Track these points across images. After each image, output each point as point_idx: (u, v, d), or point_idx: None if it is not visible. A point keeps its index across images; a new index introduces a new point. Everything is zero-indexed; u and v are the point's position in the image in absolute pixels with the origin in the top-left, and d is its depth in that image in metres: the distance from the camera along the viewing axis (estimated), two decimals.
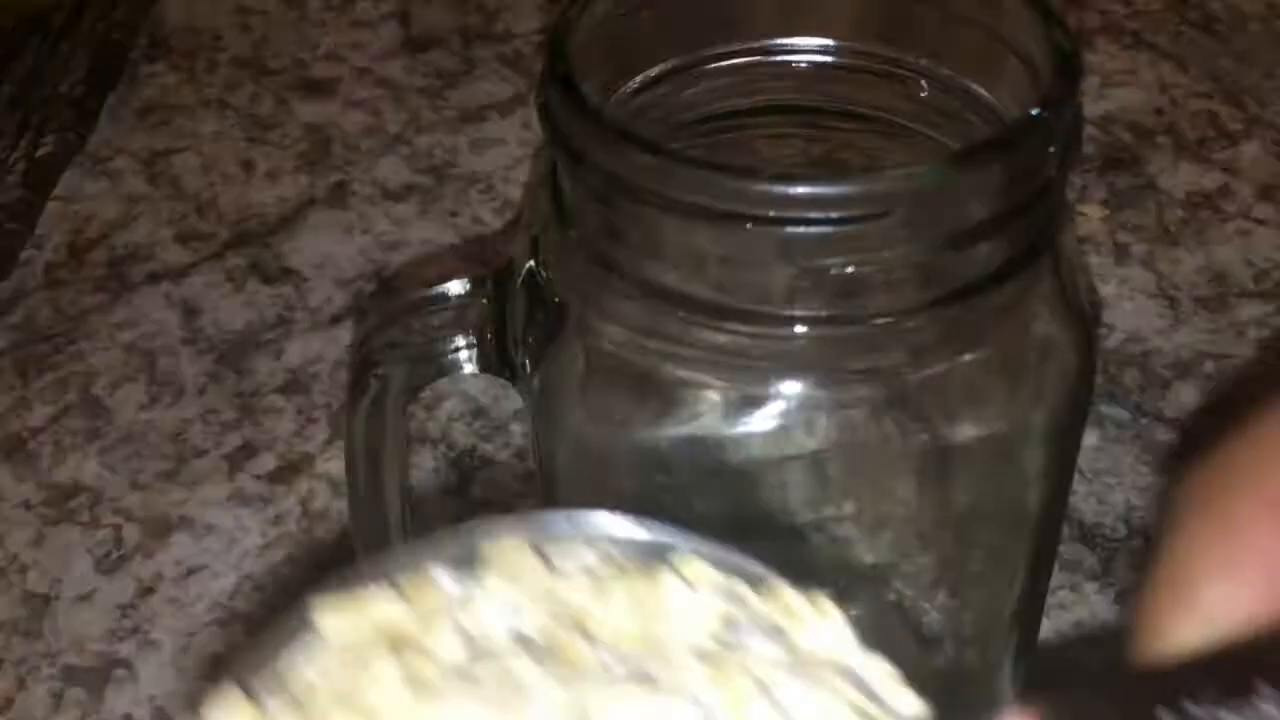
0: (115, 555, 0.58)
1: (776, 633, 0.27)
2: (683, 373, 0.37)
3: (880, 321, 0.35)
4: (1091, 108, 0.70)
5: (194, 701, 0.25)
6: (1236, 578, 0.24)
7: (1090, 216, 0.72)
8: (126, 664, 0.54)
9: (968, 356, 0.37)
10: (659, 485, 0.44)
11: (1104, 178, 0.73)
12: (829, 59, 0.42)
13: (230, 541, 0.58)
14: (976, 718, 0.28)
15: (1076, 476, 0.58)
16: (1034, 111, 0.34)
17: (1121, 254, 0.70)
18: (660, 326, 0.36)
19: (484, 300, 0.41)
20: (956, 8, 0.40)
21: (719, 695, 0.25)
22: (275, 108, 0.81)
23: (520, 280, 0.39)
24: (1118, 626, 0.54)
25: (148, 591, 0.56)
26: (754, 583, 0.28)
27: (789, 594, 0.28)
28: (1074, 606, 0.55)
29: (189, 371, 0.65)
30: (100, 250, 0.72)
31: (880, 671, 0.28)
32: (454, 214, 0.73)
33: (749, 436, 0.38)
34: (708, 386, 0.37)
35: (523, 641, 0.27)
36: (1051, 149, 0.35)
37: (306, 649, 0.27)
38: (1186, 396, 0.63)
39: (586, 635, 0.27)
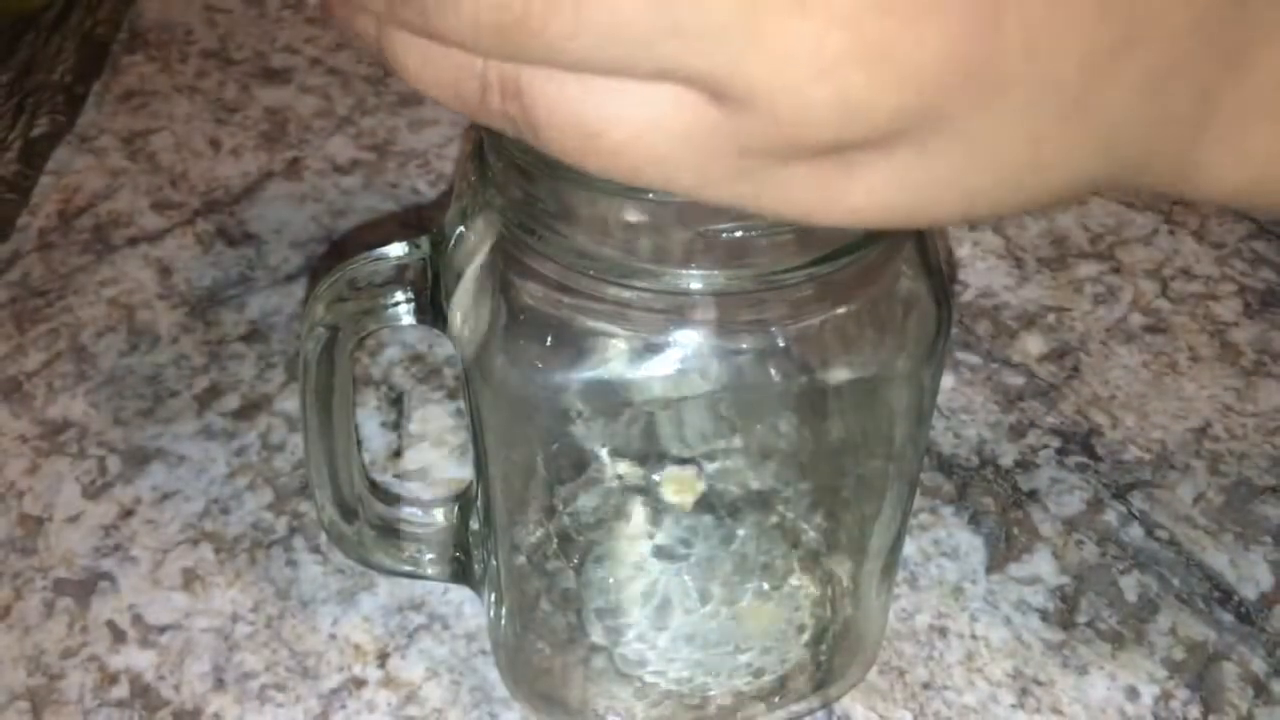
0: (100, 482, 0.57)
1: None
2: (593, 324, 0.36)
3: (765, 280, 0.35)
4: None
5: None
6: None
7: None
8: (110, 577, 0.53)
9: (841, 309, 0.37)
10: (572, 421, 0.43)
11: None
12: None
13: (199, 470, 0.57)
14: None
15: (935, 413, 0.58)
16: None
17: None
18: (573, 283, 0.36)
19: (420, 260, 0.41)
20: None
21: None
22: (239, 93, 0.80)
23: (452, 243, 0.39)
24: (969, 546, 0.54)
25: (128, 514, 0.56)
26: None
27: None
28: (933, 527, 0.55)
29: (164, 323, 0.64)
30: (87, 217, 0.71)
31: None
32: (394, 186, 0.72)
33: (651, 379, 0.38)
34: (615, 336, 0.37)
35: None
36: None
37: None
38: (1031, 344, 0.63)
39: None
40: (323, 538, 0.54)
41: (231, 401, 0.60)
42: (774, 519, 0.48)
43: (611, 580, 0.48)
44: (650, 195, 0.32)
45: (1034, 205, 0.28)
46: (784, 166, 0.26)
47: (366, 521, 0.48)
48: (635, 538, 0.48)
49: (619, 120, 0.25)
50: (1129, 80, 0.25)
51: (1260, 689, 0.49)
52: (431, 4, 0.24)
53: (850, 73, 0.23)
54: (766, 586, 0.48)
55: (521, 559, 0.47)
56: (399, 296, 0.41)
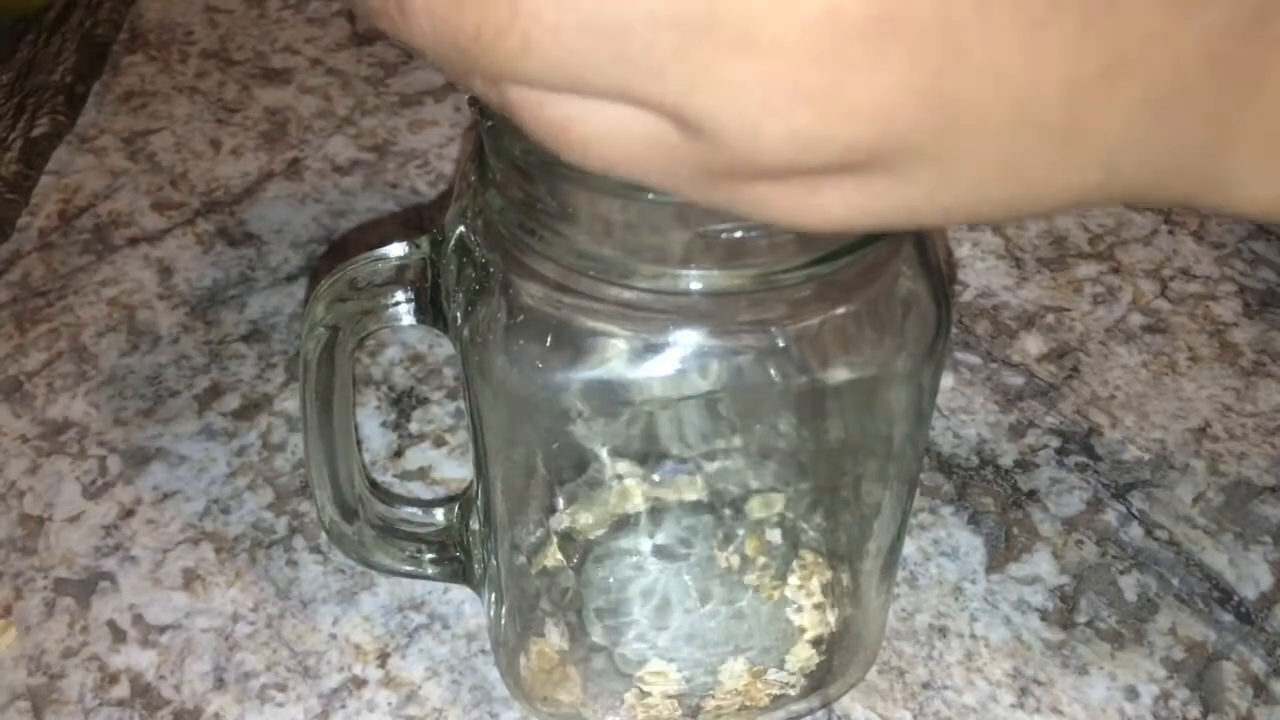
0: (100, 482, 0.57)
1: None
2: (593, 324, 0.36)
3: (764, 280, 0.35)
4: None
5: None
6: None
7: None
8: (110, 577, 0.53)
9: (840, 309, 0.37)
10: (572, 421, 0.43)
11: None
12: None
13: (200, 470, 0.57)
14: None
15: (935, 413, 0.58)
16: None
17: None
18: (573, 283, 0.36)
19: (420, 260, 0.41)
20: None
21: None
22: (239, 93, 0.80)
23: (452, 243, 0.39)
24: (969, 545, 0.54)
25: (128, 514, 0.56)
26: None
27: None
28: (933, 527, 0.55)
29: (164, 323, 0.64)
30: (87, 217, 0.71)
31: None
32: (394, 186, 0.72)
33: (651, 379, 0.37)
34: (615, 336, 0.37)
35: None
36: None
37: None
38: (1031, 344, 0.63)
39: None
40: (323, 537, 0.54)
41: (232, 401, 0.60)
42: (774, 519, 0.48)
43: (611, 580, 0.48)
44: (650, 195, 0.32)
45: (1028, 217, 0.28)
46: (751, 183, 0.25)
47: (366, 521, 0.48)
48: (635, 537, 0.48)
49: (583, 122, 0.25)
50: (1124, 106, 0.25)
51: (1260, 689, 0.49)
52: (398, 20, 0.24)
53: (800, 110, 0.23)
54: (767, 586, 0.48)
55: (521, 559, 0.47)
56: (399, 296, 0.41)
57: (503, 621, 0.47)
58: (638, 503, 0.48)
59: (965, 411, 0.60)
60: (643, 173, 0.26)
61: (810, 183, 0.25)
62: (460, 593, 0.52)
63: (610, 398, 0.40)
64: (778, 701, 0.47)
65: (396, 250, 0.41)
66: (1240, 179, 0.27)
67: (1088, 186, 0.26)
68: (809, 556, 0.48)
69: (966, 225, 0.69)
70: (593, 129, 0.25)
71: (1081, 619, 0.52)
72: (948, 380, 0.61)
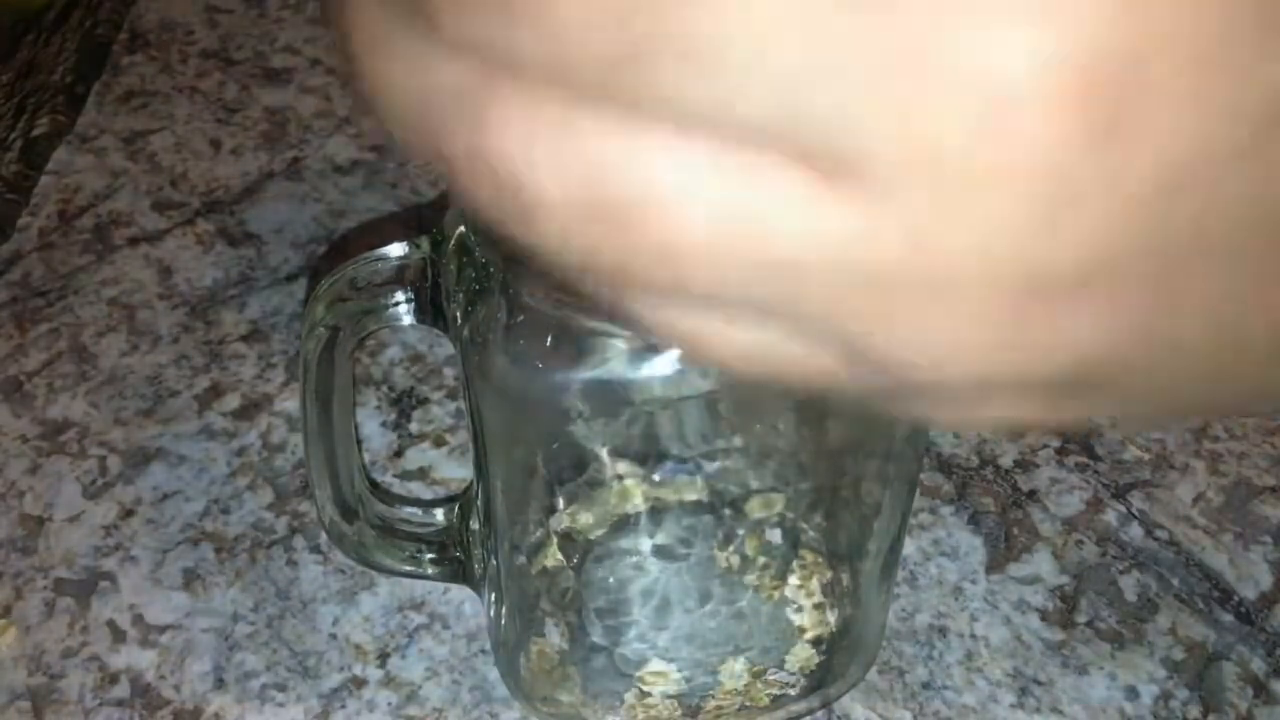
0: (100, 482, 0.57)
1: None
2: (593, 323, 0.36)
3: None
4: None
5: None
6: None
7: None
8: (110, 577, 0.53)
9: None
10: (572, 421, 0.43)
11: None
12: None
13: (200, 470, 0.57)
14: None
15: None
16: None
17: None
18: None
19: (420, 260, 0.41)
20: None
21: None
22: (239, 93, 0.80)
23: (452, 243, 0.39)
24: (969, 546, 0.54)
25: (128, 514, 0.56)
26: None
27: None
28: (933, 527, 0.55)
29: (164, 323, 0.64)
30: (87, 217, 0.71)
31: None
32: (394, 186, 0.72)
33: (651, 379, 0.37)
34: (615, 335, 0.37)
35: None
36: None
37: None
38: None
39: None
40: (323, 537, 0.54)
41: (232, 401, 0.60)
42: (774, 519, 0.48)
43: (611, 580, 0.48)
44: None
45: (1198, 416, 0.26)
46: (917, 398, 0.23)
47: (366, 521, 0.48)
48: (635, 537, 0.48)
49: (724, 339, 0.22)
50: None
51: (1260, 689, 0.49)
52: (517, 222, 0.21)
53: (994, 354, 0.21)
54: (767, 586, 0.48)
55: (521, 559, 0.47)
56: (399, 296, 0.41)
57: (503, 621, 0.47)
58: (638, 503, 0.48)
59: None
60: (781, 380, 0.23)
61: (984, 398, 0.23)
62: (460, 593, 0.52)
63: (610, 398, 0.40)
64: (778, 701, 0.47)
65: (396, 250, 0.41)
66: None
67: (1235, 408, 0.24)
68: (809, 556, 0.48)
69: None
70: (735, 348, 0.22)
71: (1081, 619, 0.52)
72: None
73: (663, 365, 0.37)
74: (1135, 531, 0.55)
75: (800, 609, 0.48)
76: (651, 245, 0.20)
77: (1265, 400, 0.24)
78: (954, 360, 0.21)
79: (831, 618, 0.48)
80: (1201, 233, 0.19)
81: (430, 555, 0.49)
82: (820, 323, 0.20)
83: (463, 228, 0.38)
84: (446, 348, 0.62)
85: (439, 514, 0.49)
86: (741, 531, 0.48)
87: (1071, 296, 0.20)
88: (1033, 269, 0.19)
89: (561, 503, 0.48)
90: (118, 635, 0.51)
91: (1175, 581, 0.53)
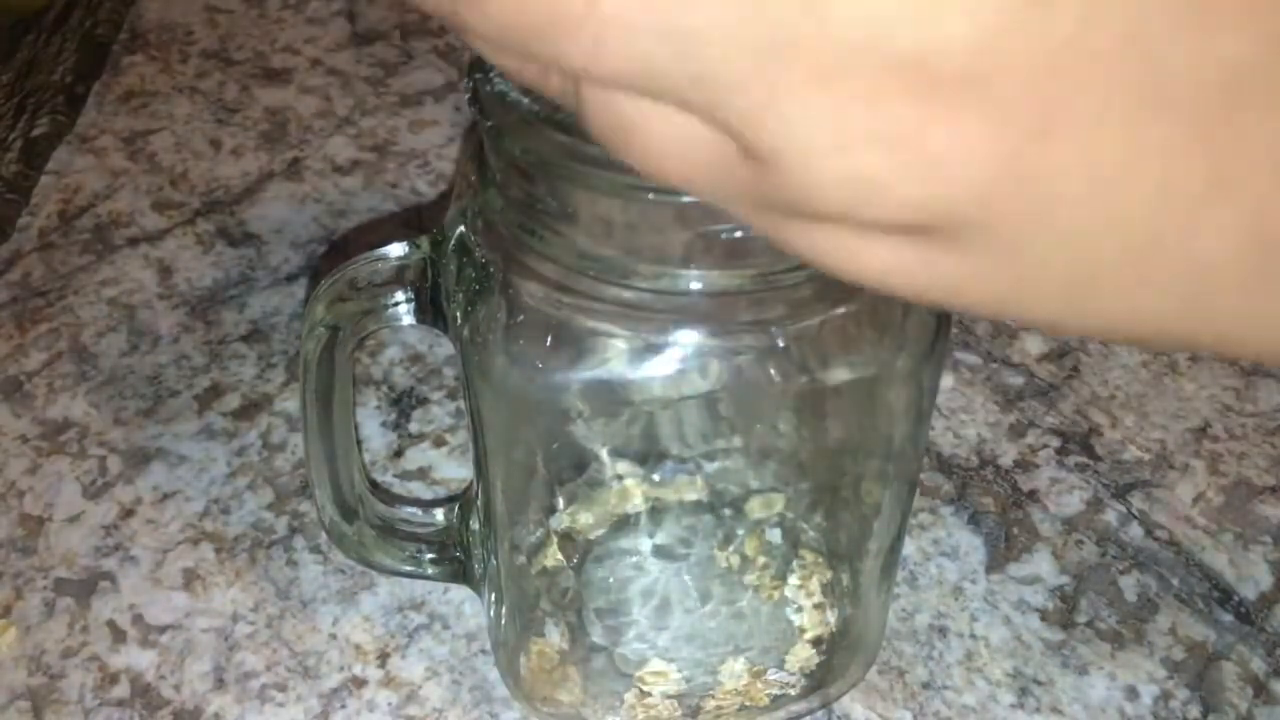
0: (100, 482, 0.57)
1: None
2: (593, 324, 0.36)
3: (764, 280, 0.35)
4: None
5: None
6: None
7: None
8: (110, 577, 0.53)
9: (840, 309, 0.37)
10: (572, 421, 0.43)
11: None
12: None
13: (200, 470, 0.57)
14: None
15: (935, 413, 0.58)
16: None
17: None
18: (573, 283, 0.36)
19: (420, 260, 0.41)
20: None
21: None
22: (239, 93, 0.80)
23: (452, 243, 0.39)
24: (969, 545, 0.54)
25: (128, 514, 0.56)
26: None
27: None
28: (933, 527, 0.55)
29: (164, 323, 0.64)
30: (87, 217, 0.71)
31: None
32: (394, 186, 0.72)
33: (651, 379, 0.37)
34: (615, 336, 0.37)
35: None
36: None
37: None
38: (1030, 344, 0.63)
39: None
40: (323, 537, 0.54)
41: (232, 401, 0.60)
42: (774, 519, 0.48)
43: (611, 580, 0.48)
44: (650, 195, 0.32)
45: (1092, 334, 0.25)
46: (804, 222, 0.24)
47: (366, 521, 0.48)
48: (635, 537, 0.48)
49: (648, 128, 0.24)
50: (1226, 236, 0.22)
51: (1260, 689, 0.49)
52: (461, 6, 0.23)
53: (867, 154, 0.21)
54: (767, 586, 0.48)
55: (521, 559, 0.47)
56: (399, 296, 0.41)
57: (503, 621, 0.47)
58: (638, 503, 0.48)
59: (965, 411, 0.60)
60: (698, 188, 0.25)
61: (863, 234, 0.23)
62: (460, 593, 0.52)
63: (610, 398, 0.40)
64: (778, 701, 0.47)
65: (396, 250, 0.41)
66: None
67: (1166, 318, 0.23)
68: (809, 556, 0.48)
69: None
70: (657, 137, 0.24)
71: (1081, 619, 0.52)
72: (948, 380, 0.61)
73: (663, 365, 0.37)
74: (1135, 531, 0.55)
75: (800, 609, 0.48)
76: (577, 15, 0.22)
77: (1138, 321, 0.23)
78: (832, 158, 0.21)
79: (831, 618, 0.48)
80: (1082, 44, 0.20)
81: (430, 555, 0.49)
82: (722, 103, 0.22)
83: (463, 227, 0.38)
84: (446, 348, 0.62)
85: (439, 514, 0.49)
86: (741, 531, 0.48)
87: (955, 99, 0.20)
88: (921, 51, 0.20)
89: (561, 503, 0.48)
90: (118, 635, 0.51)
91: (1175, 581, 0.53)
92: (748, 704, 0.47)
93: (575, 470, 0.47)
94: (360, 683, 0.50)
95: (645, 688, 0.47)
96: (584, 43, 0.22)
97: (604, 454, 0.47)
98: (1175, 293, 0.23)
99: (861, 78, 0.21)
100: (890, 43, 0.20)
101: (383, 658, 0.50)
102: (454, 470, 0.57)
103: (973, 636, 0.51)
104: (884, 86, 0.21)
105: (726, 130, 0.23)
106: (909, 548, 0.54)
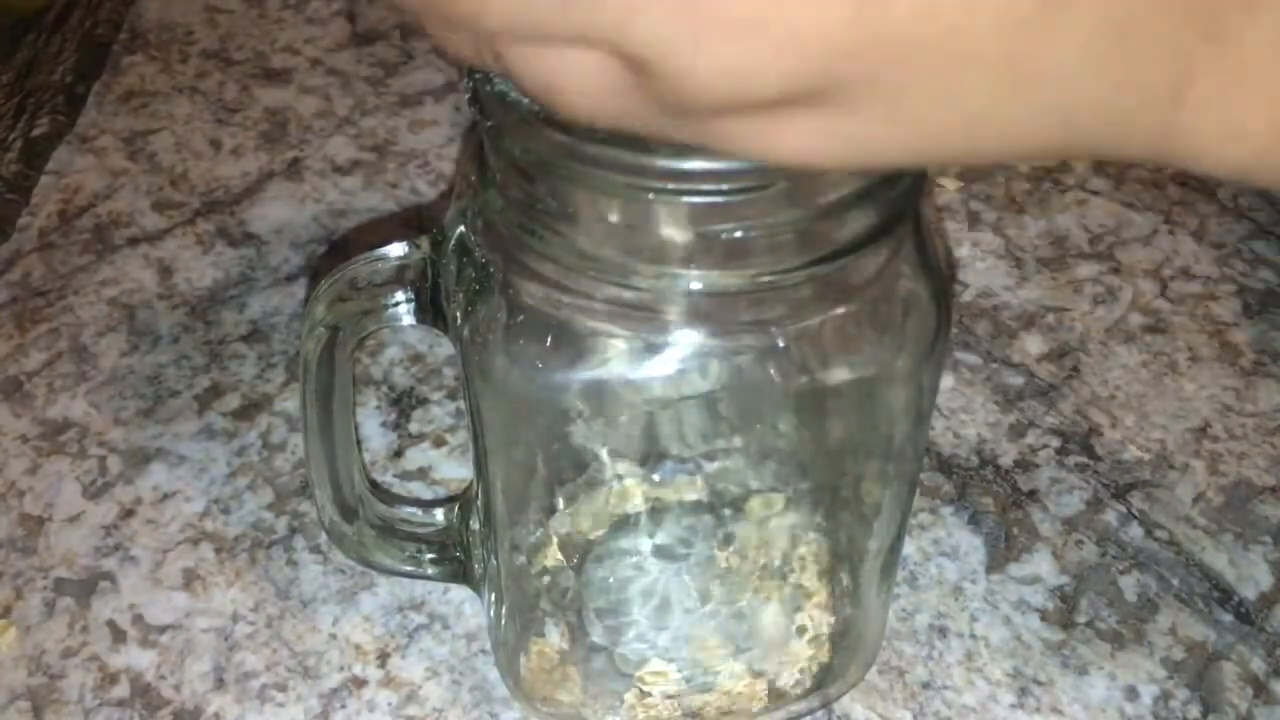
0: (100, 482, 0.57)
1: None
2: (593, 324, 0.36)
3: (764, 280, 0.35)
4: None
5: None
6: None
7: (947, 188, 0.72)
8: (110, 577, 0.53)
9: (840, 310, 0.37)
10: (572, 421, 0.43)
11: None
12: None
13: (200, 470, 0.57)
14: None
15: (935, 413, 0.58)
16: None
17: (974, 220, 0.70)
18: (573, 283, 0.36)
19: (420, 261, 0.41)
20: None
21: None
22: (239, 93, 0.80)
23: (452, 243, 0.39)
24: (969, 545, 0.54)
25: (128, 514, 0.56)
26: None
27: None
28: (933, 527, 0.55)
29: (164, 323, 0.64)
30: (87, 217, 0.71)
31: None
32: (394, 186, 0.72)
33: (651, 379, 0.37)
34: (615, 336, 0.37)
35: None
36: None
37: None
38: (1031, 345, 0.63)
39: None
40: (323, 537, 0.54)
41: (232, 401, 0.60)
42: (774, 519, 0.48)
43: (611, 580, 0.48)
44: (650, 196, 0.32)
45: (992, 161, 0.27)
46: (708, 118, 0.25)
47: (366, 521, 0.48)
48: (635, 537, 0.48)
49: (555, 71, 0.25)
50: (1070, 45, 0.24)
51: (1260, 689, 0.49)
52: None
53: (729, 43, 0.23)
54: (766, 586, 0.48)
55: (521, 559, 0.47)
56: (399, 296, 0.41)
57: (503, 621, 0.47)
58: (638, 503, 0.48)
59: (965, 411, 0.60)
60: (610, 117, 0.26)
61: (763, 117, 0.25)
62: (460, 593, 0.52)
63: (610, 398, 0.40)
64: (777, 702, 0.47)
65: (396, 250, 0.41)
66: (1202, 134, 0.26)
67: (1044, 132, 0.26)
68: (809, 556, 0.48)
69: (967, 225, 0.69)
70: (563, 78, 0.25)
71: (1081, 619, 0.52)
72: (948, 380, 0.61)
73: (663, 365, 0.37)
74: (1135, 531, 0.55)
75: (800, 609, 0.48)
76: None
77: (1023, 139, 0.26)
78: (699, 53, 0.23)
79: (831, 618, 0.48)
80: None
81: (430, 555, 0.49)
82: (591, 22, 0.23)
83: (463, 227, 0.38)
84: (446, 348, 0.62)
85: (439, 514, 0.49)
86: (741, 531, 0.48)
87: None
88: None
89: (561, 503, 0.48)
90: (118, 635, 0.51)
91: (1175, 581, 0.53)
92: (747, 704, 0.47)
93: (575, 470, 0.47)
94: (360, 683, 0.50)
95: (645, 688, 0.47)
96: None
97: (604, 454, 0.47)
98: (1042, 103, 0.25)
99: None
100: None
101: (383, 658, 0.50)
102: (454, 470, 0.57)
103: (973, 636, 0.51)
104: None
105: (607, 49, 0.24)
106: (909, 548, 0.54)
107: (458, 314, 0.39)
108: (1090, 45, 0.24)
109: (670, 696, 0.47)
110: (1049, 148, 0.26)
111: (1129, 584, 0.53)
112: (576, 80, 0.25)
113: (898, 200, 0.35)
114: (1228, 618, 0.52)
